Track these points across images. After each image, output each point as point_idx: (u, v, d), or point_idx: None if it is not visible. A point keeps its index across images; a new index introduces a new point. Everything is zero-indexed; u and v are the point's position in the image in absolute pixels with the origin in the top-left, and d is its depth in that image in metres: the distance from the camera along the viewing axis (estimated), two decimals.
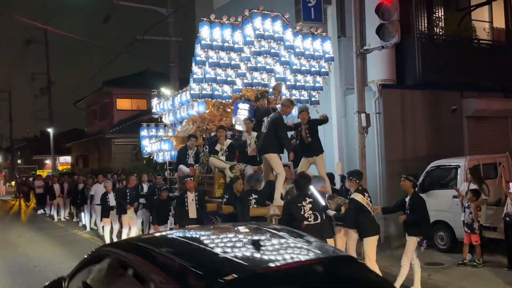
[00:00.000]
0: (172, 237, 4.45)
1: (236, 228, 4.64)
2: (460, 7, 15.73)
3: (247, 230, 4.52)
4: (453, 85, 14.05)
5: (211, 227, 6.59)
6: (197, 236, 4.39)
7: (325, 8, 12.99)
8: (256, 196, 8.13)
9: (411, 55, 13.53)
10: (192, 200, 9.49)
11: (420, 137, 13.23)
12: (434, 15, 15.01)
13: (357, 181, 8.01)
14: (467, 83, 14.33)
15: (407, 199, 8.02)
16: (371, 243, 7.73)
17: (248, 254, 3.61)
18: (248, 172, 9.45)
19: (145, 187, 13.98)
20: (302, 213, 6.93)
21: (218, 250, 3.67)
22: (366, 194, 7.90)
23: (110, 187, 13.09)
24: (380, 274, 7.05)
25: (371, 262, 7.59)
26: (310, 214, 6.93)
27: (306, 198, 7.02)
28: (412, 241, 7.66)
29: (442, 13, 15.15)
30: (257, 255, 3.59)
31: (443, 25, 14.96)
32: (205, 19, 9.22)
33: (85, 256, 4.52)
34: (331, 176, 9.33)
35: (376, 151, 12.32)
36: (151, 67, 38.04)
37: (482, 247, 9.33)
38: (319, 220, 6.94)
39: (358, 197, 7.79)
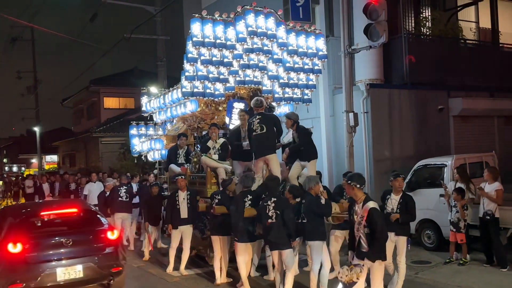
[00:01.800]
0: (18, 205, 13.44)
1: (52, 200, 14.49)
2: (447, 7, 15.91)
3: (56, 201, 12.55)
4: (440, 84, 14.20)
5: (41, 201, 15.52)
6: (30, 204, 11.57)
7: (313, 7, 13.02)
8: (251, 197, 8.10)
9: (399, 55, 13.66)
10: (184, 199, 9.31)
11: (408, 136, 13.34)
12: (421, 15, 15.17)
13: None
14: (453, 83, 14.49)
15: (394, 198, 7.67)
16: (381, 269, 6.05)
17: (38, 209, 8.37)
18: (237, 170, 9.39)
19: (135, 187, 13.86)
20: (267, 211, 7.36)
21: (29, 207, 9.10)
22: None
23: (111, 187, 12.73)
24: None
25: None
26: (273, 213, 7.33)
27: (272, 198, 7.43)
28: (403, 241, 7.63)
29: (429, 13, 15.32)
30: (42, 210, 8.14)
31: (430, 25, 15.10)
32: (196, 15, 9.07)
33: None
34: (318, 175, 9.35)
35: (364, 150, 12.41)
36: (138, 65, 37.90)
37: (468, 245, 9.43)
38: (279, 219, 7.29)
39: (377, 205, 6.03)
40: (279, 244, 7.39)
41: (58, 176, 21.59)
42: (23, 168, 49.23)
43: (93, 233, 7.80)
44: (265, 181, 7.88)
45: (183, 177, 9.55)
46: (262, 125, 8.38)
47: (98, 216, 8.41)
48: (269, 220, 7.34)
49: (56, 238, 7.42)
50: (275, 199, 7.43)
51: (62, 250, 7.26)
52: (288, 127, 8.88)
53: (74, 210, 8.33)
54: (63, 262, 7.22)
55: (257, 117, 8.54)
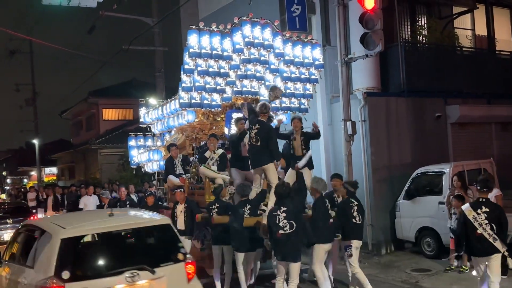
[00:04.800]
0: None
1: (3, 201, 25.72)
2: (443, 15, 15.97)
3: (7, 202, 23.18)
4: (437, 92, 14.22)
5: None
6: None
7: (309, 17, 13.11)
8: (250, 207, 8.09)
9: (395, 63, 13.68)
10: (181, 211, 9.27)
11: (405, 144, 13.35)
12: (417, 23, 15.24)
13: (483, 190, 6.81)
14: (450, 90, 14.52)
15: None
16: None
17: None
18: (235, 177, 9.36)
19: (135, 198, 13.78)
20: (277, 222, 7.05)
21: None
22: (484, 209, 6.62)
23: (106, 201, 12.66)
24: None
25: None
26: (285, 223, 7.03)
27: (281, 207, 7.13)
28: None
29: (425, 22, 15.38)
30: None
31: (426, 33, 15.15)
32: (193, 26, 9.10)
33: None
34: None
35: (362, 159, 12.41)
36: (136, 76, 37.96)
37: None
38: (295, 228, 7.03)
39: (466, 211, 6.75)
40: (290, 256, 7.10)
41: (58, 187, 21.40)
42: (25, 180, 49.16)
43: (24, 217, 14.66)
44: (275, 188, 7.66)
45: (182, 189, 9.53)
46: (257, 137, 8.34)
47: (30, 210, 17.36)
48: (280, 231, 6.99)
49: (3, 220, 15.22)
50: (285, 208, 7.10)
51: (6, 225, 14.86)
52: (297, 129, 8.98)
53: (16, 206, 17.52)
54: (6, 230, 14.26)
55: (256, 126, 8.49)
